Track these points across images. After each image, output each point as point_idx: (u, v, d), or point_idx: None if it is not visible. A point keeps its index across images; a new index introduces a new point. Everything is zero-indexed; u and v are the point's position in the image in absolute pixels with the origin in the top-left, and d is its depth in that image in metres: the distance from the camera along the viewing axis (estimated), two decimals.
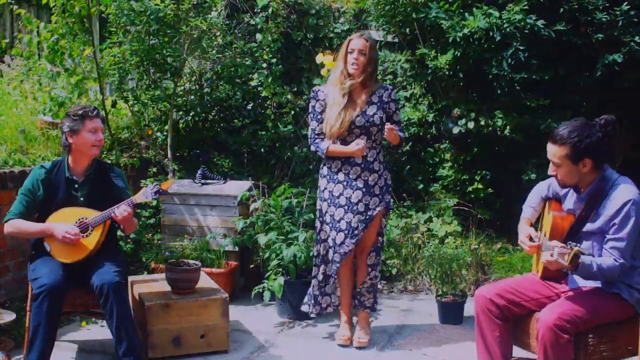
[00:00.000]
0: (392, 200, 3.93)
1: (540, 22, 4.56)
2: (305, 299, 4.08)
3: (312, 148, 3.87)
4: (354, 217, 3.79)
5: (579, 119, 2.89)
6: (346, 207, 3.80)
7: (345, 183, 3.81)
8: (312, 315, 4.09)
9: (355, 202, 3.79)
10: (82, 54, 5.06)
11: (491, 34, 4.62)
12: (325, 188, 3.89)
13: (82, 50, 5.05)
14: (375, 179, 3.82)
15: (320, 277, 3.97)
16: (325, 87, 3.88)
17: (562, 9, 4.67)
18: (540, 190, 3.21)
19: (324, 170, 3.91)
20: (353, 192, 3.79)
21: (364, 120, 3.75)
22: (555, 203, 3.09)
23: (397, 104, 3.90)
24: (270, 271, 4.36)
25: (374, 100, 3.79)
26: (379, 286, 4.98)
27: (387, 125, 3.67)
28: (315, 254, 3.99)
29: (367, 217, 3.80)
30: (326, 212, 3.88)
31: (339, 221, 3.82)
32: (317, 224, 3.96)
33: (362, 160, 3.78)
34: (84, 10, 4.95)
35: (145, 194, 3.51)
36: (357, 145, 3.69)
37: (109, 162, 4.81)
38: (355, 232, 3.79)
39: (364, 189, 3.79)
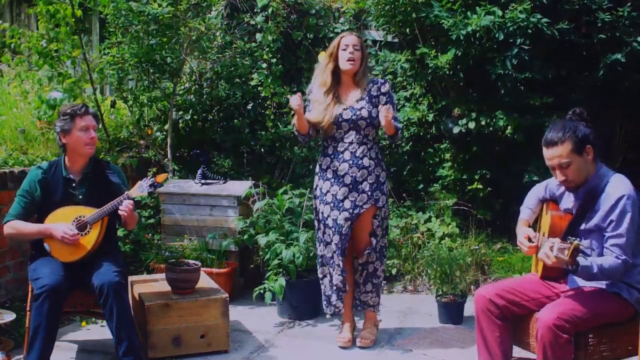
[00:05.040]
0: (384, 198, 3.82)
1: (544, 20, 4.56)
2: (324, 302, 3.97)
3: (294, 130, 3.89)
4: (339, 214, 3.77)
5: (555, 120, 2.93)
6: (332, 204, 3.79)
7: (332, 180, 3.80)
8: (328, 316, 3.99)
9: (340, 199, 3.77)
10: (71, 56, 5.07)
11: (493, 33, 4.62)
12: (317, 185, 3.90)
13: (70, 53, 5.05)
14: (365, 175, 3.77)
15: (328, 277, 3.91)
16: (313, 86, 3.91)
17: (564, 8, 4.67)
18: (537, 191, 3.22)
19: (317, 168, 3.92)
20: (339, 189, 3.77)
21: (351, 114, 3.74)
22: (552, 204, 3.10)
23: (391, 97, 3.82)
24: (271, 271, 4.36)
25: (363, 96, 3.79)
26: None
27: (381, 107, 3.64)
28: (318, 253, 3.96)
29: (353, 214, 3.77)
30: (317, 209, 3.89)
31: (326, 218, 3.82)
32: (315, 222, 3.96)
33: (350, 156, 3.76)
34: (69, 11, 4.95)
35: (140, 187, 3.50)
36: (292, 101, 3.69)
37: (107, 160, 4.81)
38: (342, 230, 3.76)
39: (351, 186, 3.76)
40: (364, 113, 3.75)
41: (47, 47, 4.98)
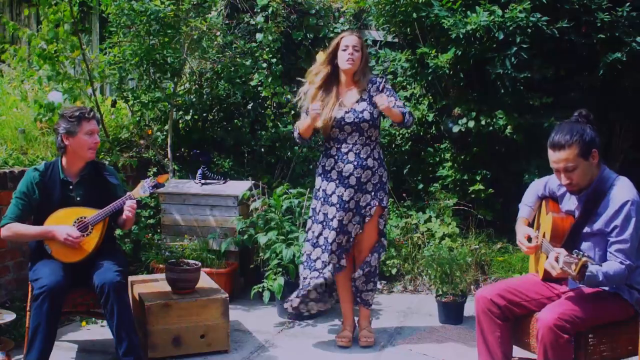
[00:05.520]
0: (386, 198, 3.86)
1: (544, 19, 4.56)
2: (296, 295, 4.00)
3: (295, 134, 3.90)
4: (345, 214, 3.79)
5: (561, 122, 2.90)
6: (338, 206, 3.79)
7: (337, 181, 3.80)
8: (289, 309, 3.98)
9: (347, 200, 3.78)
10: (71, 57, 5.07)
11: (493, 32, 4.62)
12: (319, 187, 3.90)
13: (70, 55, 5.05)
14: (369, 176, 3.79)
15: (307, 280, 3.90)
16: (306, 87, 3.91)
17: (564, 8, 4.68)
18: (537, 188, 3.20)
19: (319, 169, 3.92)
20: (345, 190, 3.78)
21: (354, 117, 3.75)
22: (552, 203, 3.08)
23: (390, 90, 3.81)
24: (270, 271, 4.36)
25: (363, 97, 3.79)
26: (379, 286, 5.00)
27: (375, 97, 3.66)
28: (303, 253, 3.95)
29: (361, 216, 3.79)
30: (319, 210, 3.87)
31: (332, 219, 3.81)
32: (309, 223, 3.95)
33: (355, 157, 3.77)
34: (67, 12, 4.95)
35: (142, 188, 3.51)
36: (313, 110, 3.69)
37: (106, 162, 4.81)
38: (347, 229, 3.79)
39: (356, 186, 3.78)
40: (366, 115, 3.75)
41: (46, 50, 4.97)
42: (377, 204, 3.80)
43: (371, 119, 3.76)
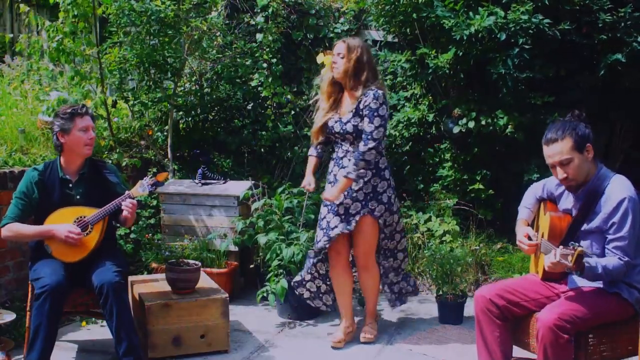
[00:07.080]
0: (382, 207, 3.77)
1: (545, 21, 4.57)
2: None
3: None
4: (333, 217, 3.81)
5: (554, 120, 2.93)
6: (329, 207, 3.84)
7: (332, 184, 3.85)
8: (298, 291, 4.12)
9: (336, 204, 3.79)
10: (83, 53, 5.07)
11: (495, 33, 4.61)
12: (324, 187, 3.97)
13: (83, 50, 5.06)
14: (360, 185, 3.74)
15: (316, 273, 4.05)
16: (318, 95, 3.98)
17: (565, 9, 4.68)
18: (535, 191, 3.21)
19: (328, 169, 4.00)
20: None
21: (340, 128, 3.76)
22: (550, 204, 3.10)
23: (370, 109, 3.61)
24: (271, 273, 4.34)
25: (353, 107, 3.71)
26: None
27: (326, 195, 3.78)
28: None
29: (348, 221, 3.78)
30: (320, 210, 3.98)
31: (322, 219, 3.88)
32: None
33: (348, 164, 3.73)
34: (90, 9, 4.96)
35: (142, 187, 3.51)
36: (307, 184, 3.93)
37: (109, 161, 4.81)
38: (330, 232, 3.79)
39: (346, 192, 3.75)
40: (349, 127, 3.72)
41: (62, 42, 4.95)
42: (365, 213, 3.77)
43: (354, 131, 3.70)
